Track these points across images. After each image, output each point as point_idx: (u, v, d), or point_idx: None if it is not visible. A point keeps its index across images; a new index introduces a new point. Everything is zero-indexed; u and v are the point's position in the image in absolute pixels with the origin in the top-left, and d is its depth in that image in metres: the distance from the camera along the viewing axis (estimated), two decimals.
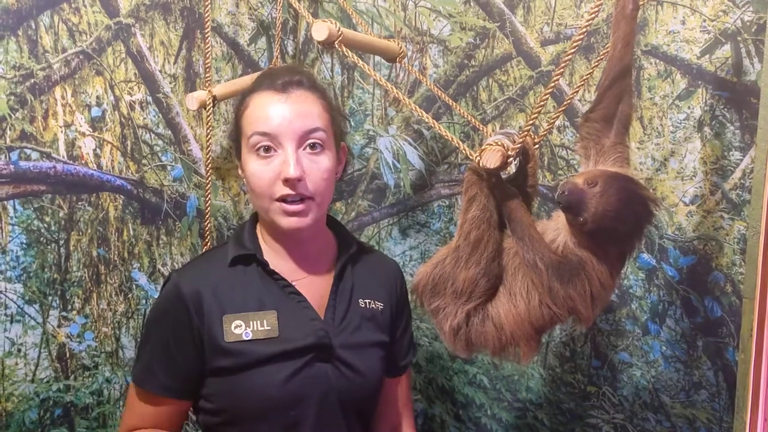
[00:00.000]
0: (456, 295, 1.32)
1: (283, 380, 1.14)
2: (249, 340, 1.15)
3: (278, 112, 1.16)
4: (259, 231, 1.27)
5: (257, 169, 1.16)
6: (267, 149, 1.15)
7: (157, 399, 1.19)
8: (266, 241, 1.25)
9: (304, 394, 1.16)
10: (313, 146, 1.17)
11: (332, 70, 2.03)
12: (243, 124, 1.19)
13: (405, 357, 1.39)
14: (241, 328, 1.15)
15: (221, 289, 1.18)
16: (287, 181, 1.14)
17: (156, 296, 1.30)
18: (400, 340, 1.37)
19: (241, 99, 1.23)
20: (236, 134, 1.22)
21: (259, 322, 1.16)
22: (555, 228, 1.28)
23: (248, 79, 1.54)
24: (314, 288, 1.23)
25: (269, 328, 1.16)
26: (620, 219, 1.18)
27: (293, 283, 1.22)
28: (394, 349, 1.35)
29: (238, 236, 1.26)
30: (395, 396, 1.38)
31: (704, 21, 1.50)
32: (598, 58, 1.36)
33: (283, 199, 1.15)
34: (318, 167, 1.18)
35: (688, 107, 1.54)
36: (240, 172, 1.25)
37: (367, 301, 1.28)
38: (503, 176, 1.32)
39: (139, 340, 1.74)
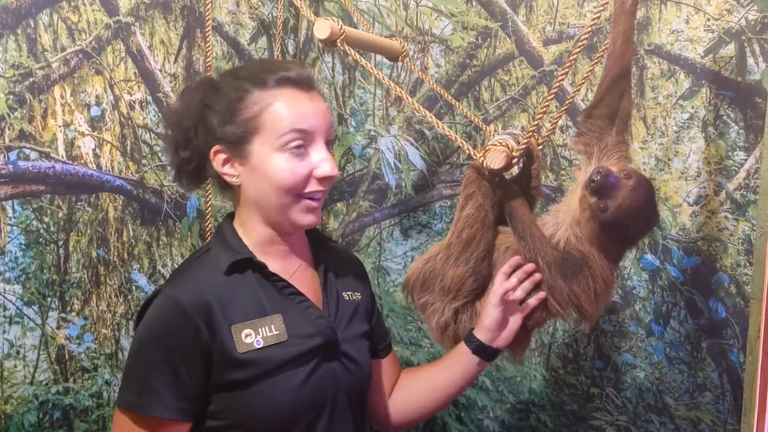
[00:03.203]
0: (444, 292, 1.32)
1: (299, 384, 1.12)
2: (261, 348, 1.11)
3: (312, 110, 1.15)
4: (241, 232, 1.22)
5: (290, 166, 1.13)
6: (299, 146, 1.14)
7: (161, 425, 1.10)
8: (254, 243, 1.20)
9: (319, 395, 1.14)
10: (329, 143, 1.19)
11: (333, 70, 2.02)
12: (267, 120, 1.13)
13: (387, 335, 1.41)
14: (251, 337, 1.11)
15: (223, 299, 1.13)
16: (324, 179, 1.15)
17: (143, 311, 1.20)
18: (379, 320, 1.38)
19: (245, 93, 1.15)
20: (246, 130, 1.14)
21: (267, 327, 1.13)
22: (554, 223, 1.27)
23: None
24: (305, 286, 1.22)
25: (278, 332, 1.13)
26: (636, 219, 1.19)
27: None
28: (378, 331, 1.36)
29: (224, 241, 1.20)
30: (397, 369, 1.39)
31: (708, 20, 1.49)
32: (598, 55, 1.36)
33: (310, 196, 1.16)
34: (335, 165, 1.20)
35: (692, 107, 1.53)
36: (226, 168, 1.17)
37: (349, 293, 1.28)
38: (507, 176, 1.31)
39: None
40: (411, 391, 1.35)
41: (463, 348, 1.30)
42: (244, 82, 1.17)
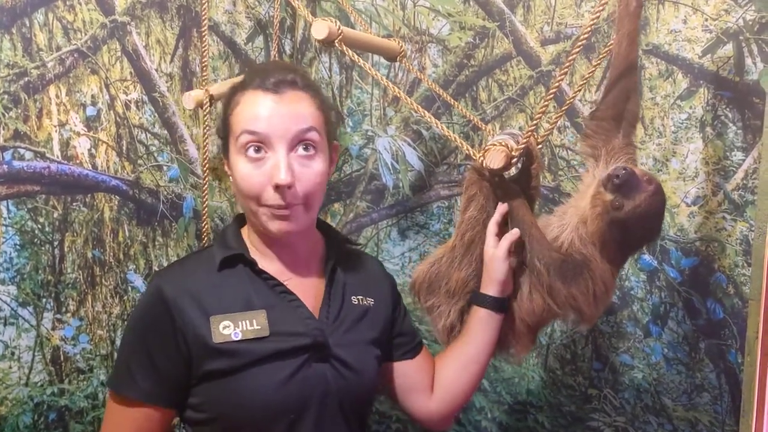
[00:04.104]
0: (449, 295, 1.33)
1: (281, 382, 1.11)
2: (238, 341, 1.12)
3: (270, 112, 1.12)
4: (246, 232, 1.24)
5: (246, 171, 1.13)
6: (257, 150, 1.12)
7: (136, 405, 1.14)
8: (254, 243, 1.22)
9: (303, 395, 1.13)
10: (306, 148, 1.14)
11: (330, 70, 2.02)
12: (232, 122, 1.16)
13: (416, 335, 1.39)
14: (229, 329, 1.12)
15: (206, 291, 1.15)
16: (278, 188, 1.11)
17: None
18: (406, 322, 1.37)
19: (230, 95, 1.19)
20: (225, 132, 1.19)
21: (248, 321, 1.13)
22: (560, 224, 1.26)
23: None
24: (306, 288, 1.21)
25: (259, 327, 1.13)
26: (644, 225, 1.19)
27: (284, 283, 1.20)
28: (403, 334, 1.35)
29: (223, 238, 1.23)
30: (432, 368, 1.37)
31: (706, 20, 1.49)
32: (600, 57, 1.35)
33: (269, 206, 1.13)
34: (311, 171, 1.14)
35: (690, 107, 1.53)
36: (227, 170, 1.22)
37: (359, 298, 1.26)
38: (506, 176, 1.31)
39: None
40: (447, 376, 1.34)
41: (478, 312, 1.29)
42: (238, 84, 1.20)
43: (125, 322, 1.76)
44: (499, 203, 1.28)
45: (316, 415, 1.15)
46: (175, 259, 1.85)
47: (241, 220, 1.26)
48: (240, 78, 1.25)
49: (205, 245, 1.30)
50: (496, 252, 1.26)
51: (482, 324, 1.29)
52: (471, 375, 1.32)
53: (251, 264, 1.18)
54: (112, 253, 1.75)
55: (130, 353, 1.15)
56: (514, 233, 1.26)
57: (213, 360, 1.12)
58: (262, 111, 1.12)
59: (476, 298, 1.30)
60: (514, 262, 1.28)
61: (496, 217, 1.28)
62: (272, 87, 1.14)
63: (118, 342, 1.75)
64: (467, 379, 1.32)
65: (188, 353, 1.12)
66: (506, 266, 1.26)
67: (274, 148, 1.12)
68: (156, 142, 1.81)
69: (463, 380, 1.32)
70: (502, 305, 1.29)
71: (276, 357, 1.13)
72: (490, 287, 1.28)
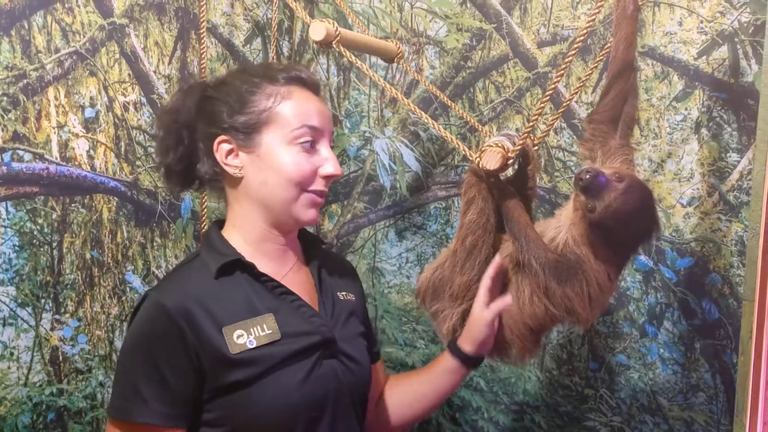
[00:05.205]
0: (453, 299, 1.33)
1: (299, 383, 1.12)
2: (254, 348, 1.11)
3: (321, 110, 1.21)
4: (230, 237, 1.22)
5: (299, 160, 1.17)
6: (308, 143, 1.18)
7: (150, 431, 1.09)
8: (243, 246, 1.20)
9: (320, 393, 1.14)
10: (332, 147, 1.24)
11: (328, 72, 2.03)
12: (281, 113, 1.16)
13: (377, 342, 1.42)
14: (243, 338, 1.11)
15: (210, 302, 1.12)
16: (328, 178, 1.20)
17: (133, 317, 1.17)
18: (370, 326, 1.39)
19: (255, 88, 1.17)
20: (255, 120, 1.16)
21: (258, 327, 1.13)
22: (556, 226, 1.27)
23: None
24: (299, 287, 1.22)
25: (270, 331, 1.13)
26: (626, 224, 1.17)
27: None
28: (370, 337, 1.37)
29: (212, 247, 1.20)
30: (383, 378, 1.40)
31: (701, 22, 1.50)
32: (597, 60, 1.36)
33: (314, 192, 1.19)
34: None
35: (686, 109, 1.54)
36: (230, 159, 1.18)
37: (343, 294, 1.29)
38: (503, 177, 1.32)
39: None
40: (395, 401, 1.36)
41: (448, 360, 1.30)
42: (254, 77, 1.20)
43: (123, 324, 1.76)
44: (493, 259, 1.29)
45: (332, 412, 1.16)
46: (173, 259, 1.85)
47: (219, 225, 1.25)
48: (242, 69, 1.26)
49: (192, 254, 1.26)
50: (483, 314, 1.27)
51: (448, 373, 1.31)
52: (415, 412, 1.35)
53: (248, 268, 1.17)
54: (110, 254, 1.75)
55: (138, 376, 1.09)
56: (506, 301, 1.26)
57: (231, 372, 1.10)
58: (317, 108, 1.20)
59: (452, 346, 1.31)
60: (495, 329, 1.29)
61: (490, 272, 1.28)
62: (314, 86, 1.23)
63: (116, 343, 1.75)
64: (410, 413, 1.35)
65: (201, 366, 1.09)
66: (489, 330, 1.27)
67: (322, 143, 1.20)
68: (154, 143, 1.82)
69: (405, 413, 1.35)
70: (474, 362, 1.31)
71: (291, 359, 1.13)
72: (468, 343, 1.29)
